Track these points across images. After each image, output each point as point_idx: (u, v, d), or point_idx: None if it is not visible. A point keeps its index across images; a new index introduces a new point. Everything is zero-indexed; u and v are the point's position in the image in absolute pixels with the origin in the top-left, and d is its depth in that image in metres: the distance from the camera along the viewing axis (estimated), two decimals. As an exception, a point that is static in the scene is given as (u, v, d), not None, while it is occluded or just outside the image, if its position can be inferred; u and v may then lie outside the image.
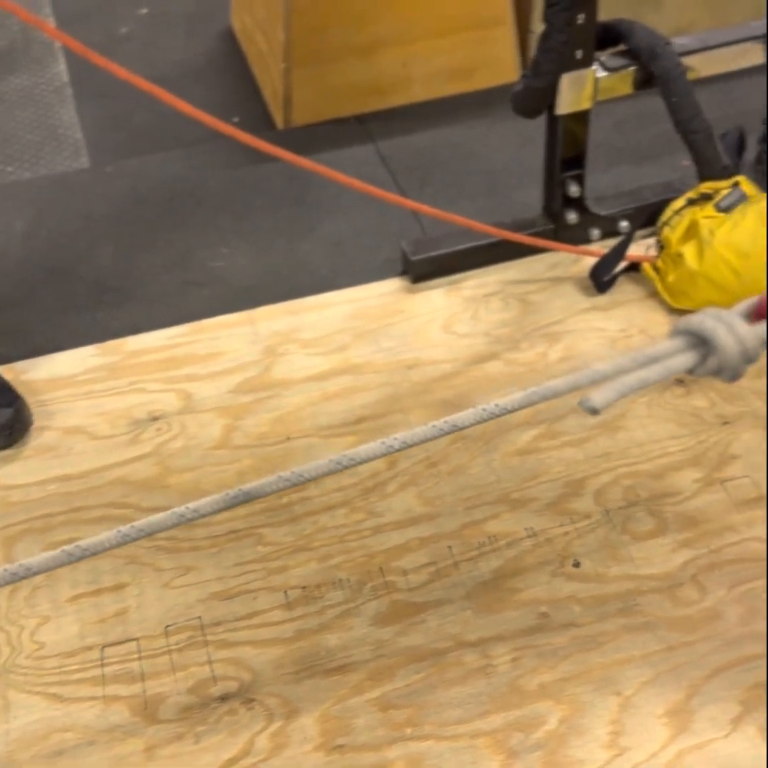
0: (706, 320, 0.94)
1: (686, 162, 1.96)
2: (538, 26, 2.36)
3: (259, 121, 2.51)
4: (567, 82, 1.81)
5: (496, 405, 0.92)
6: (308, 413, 1.79)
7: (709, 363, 0.94)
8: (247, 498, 0.95)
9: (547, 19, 1.73)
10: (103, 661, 1.47)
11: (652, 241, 2.00)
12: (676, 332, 0.96)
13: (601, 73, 1.84)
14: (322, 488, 1.66)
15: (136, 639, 1.49)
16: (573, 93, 1.83)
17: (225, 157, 2.36)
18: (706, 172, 1.91)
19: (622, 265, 1.97)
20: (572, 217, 2.01)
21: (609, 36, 1.84)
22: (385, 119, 2.45)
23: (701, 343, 0.94)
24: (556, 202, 2.00)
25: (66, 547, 0.96)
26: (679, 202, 1.93)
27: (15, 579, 0.98)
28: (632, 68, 1.85)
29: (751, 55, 1.91)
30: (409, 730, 1.38)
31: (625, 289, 1.97)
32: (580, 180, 1.97)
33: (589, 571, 1.54)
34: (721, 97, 2.17)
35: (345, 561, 1.57)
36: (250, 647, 1.48)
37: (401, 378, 1.84)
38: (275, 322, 1.96)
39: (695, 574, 1.53)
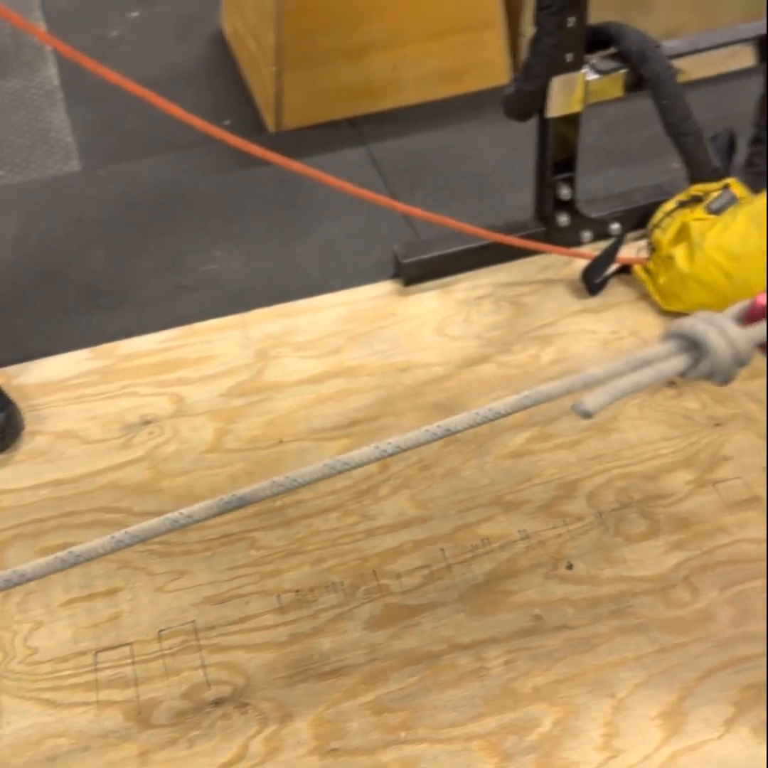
0: (697, 324, 0.94)
1: (676, 164, 1.96)
2: (528, 29, 2.37)
3: (251, 124, 2.51)
4: (557, 85, 1.82)
5: (490, 409, 0.93)
6: (301, 416, 1.79)
7: (701, 366, 0.94)
8: (241, 503, 0.95)
9: (537, 22, 1.74)
10: (97, 666, 1.47)
11: (643, 243, 2.01)
12: (668, 336, 0.96)
13: (592, 76, 1.84)
14: (315, 491, 1.66)
15: (130, 644, 1.49)
16: (563, 96, 1.84)
17: (216, 160, 2.36)
18: (696, 175, 1.91)
19: (614, 267, 1.97)
20: (563, 219, 2.01)
21: (599, 39, 1.85)
22: (376, 122, 2.45)
23: (693, 346, 0.94)
24: (547, 204, 2.01)
25: (60, 554, 0.96)
26: (670, 205, 1.94)
27: (9, 585, 0.98)
28: (622, 71, 1.85)
29: (741, 58, 1.91)
30: (403, 734, 1.38)
31: (616, 291, 1.98)
32: (571, 183, 1.97)
33: (582, 573, 1.54)
34: (711, 100, 2.18)
35: (338, 564, 1.57)
36: (243, 651, 1.48)
37: (394, 381, 1.84)
38: (267, 326, 1.96)
39: (688, 575, 1.53)
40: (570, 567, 1.55)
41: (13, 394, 1.79)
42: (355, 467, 0.93)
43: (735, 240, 1.83)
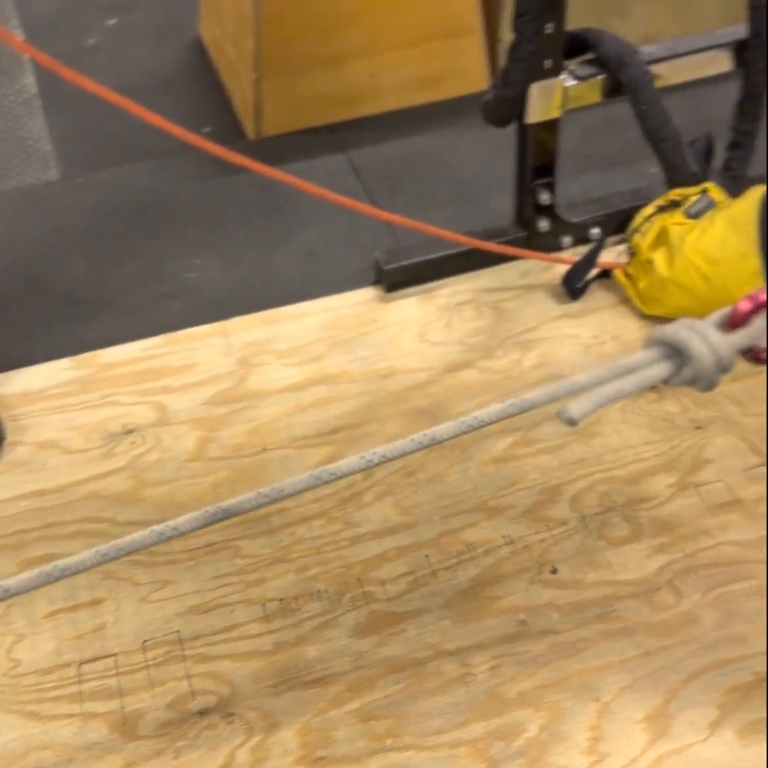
0: (680, 331, 0.94)
1: (655, 169, 1.97)
2: (506, 35, 2.37)
3: (230, 131, 2.51)
4: (536, 91, 1.82)
5: (475, 417, 0.93)
6: (284, 424, 1.79)
7: (684, 373, 0.95)
8: (227, 515, 0.94)
9: (515, 28, 1.74)
10: (81, 678, 1.46)
11: (622, 248, 2.02)
12: (650, 342, 0.96)
13: (570, 82, 1.85)
14: (298, 500, 1.66)
15: (114, 655, 1.48)
16: (542, 102, 1.84)
17: (195, 168, 2.35)
18: (674, 179, 1.93)
19: (594, 271, 1.98)
20: (544, 224, 2.02)
21: (577, 45, 1.86)
22: (355, 129, 2.46)
23: (676, 353, 0.95)
24: (527, 210, 2.01)
25: (45, 568, 0.95)
26: (649, 209, 1.95)
27: (-8, 599, 0.97)
28: (601, 77, 1.86)
29: (718, 63, 1.92)
30: (389, 741, 1.38)
31: (597, 296, 1.99)
32: (550, 188, 1.98)
33: (567, 577, 1.55)
34: (689, 105, 2.19)
35: (322, 572, 1.57)
36: (228, 661, 1.47)
37: (377, 387, 1.84)
38: (249, 333, 1.95)
39: (671, 578, 1.54)
40: (554, 571, 1.55)
41: (-7, 405, 1.79)
42: (340, 477, 0.93)
43: (713, 244, 1.84)
